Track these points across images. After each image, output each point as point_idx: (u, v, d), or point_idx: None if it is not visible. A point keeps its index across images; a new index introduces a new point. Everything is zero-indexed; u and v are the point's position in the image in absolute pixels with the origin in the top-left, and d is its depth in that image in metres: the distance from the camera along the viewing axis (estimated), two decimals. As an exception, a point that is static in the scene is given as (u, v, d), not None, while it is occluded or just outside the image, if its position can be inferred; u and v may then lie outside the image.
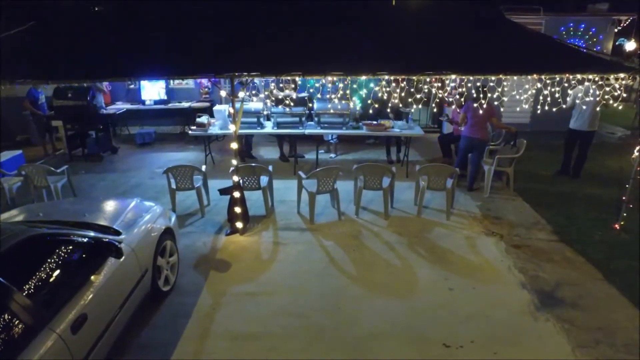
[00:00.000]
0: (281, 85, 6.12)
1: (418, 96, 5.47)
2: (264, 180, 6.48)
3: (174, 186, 6.48)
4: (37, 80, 5.65)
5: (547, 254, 5.49)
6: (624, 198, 5.91)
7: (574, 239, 5.85)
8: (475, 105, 6.69)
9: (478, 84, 6.48)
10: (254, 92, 6.13)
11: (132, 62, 5.63)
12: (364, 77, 5.20)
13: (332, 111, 7.90)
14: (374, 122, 8.26)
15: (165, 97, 11.25)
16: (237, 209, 5.78)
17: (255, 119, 8.09)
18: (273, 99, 6.94)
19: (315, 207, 6.34)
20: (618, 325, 4.20)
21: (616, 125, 13.42)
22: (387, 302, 4.57)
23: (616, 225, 6.00)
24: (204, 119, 8.35)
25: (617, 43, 13.35)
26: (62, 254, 3.31)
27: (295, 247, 5.65)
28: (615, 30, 11.66)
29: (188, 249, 5.58)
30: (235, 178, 5.69)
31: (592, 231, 6.06)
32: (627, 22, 11.66)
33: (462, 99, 6.77)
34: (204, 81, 11.24)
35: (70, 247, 3.41)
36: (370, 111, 5.98)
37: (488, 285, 4.87)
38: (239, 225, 5.88)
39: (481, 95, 6.53)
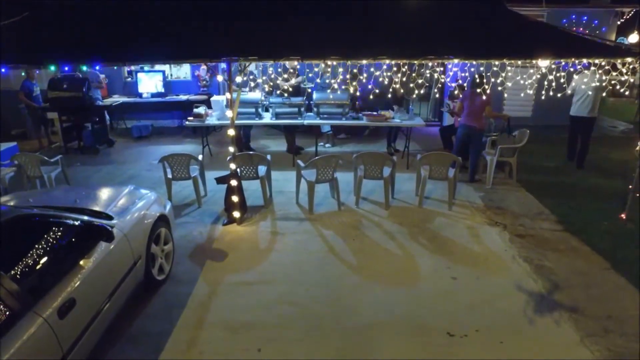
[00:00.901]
0: (279, 70, 5.98)
1: (420, 81, 5.34)
2: (262, 169, 6.34)
3: (170, 176, 6.34)
4: (29, 64, 5.51)
5: (552, 244, 5.36)
6: (630, 187, 5.77)
7: (579, 229, 5.72)
8: (472, 91, 6.60)
9: (476, 68, 6.35)
10: (251, 77, 5.97)
11: (126, 47, 5.52)
12: (364, 62, 5.07)
13: (331, 96, 7.75)
14: (375, 113, 8.13)
15: (163, 90, 11.09)
16: (235, 198, 5.64)
17: (253, 109, 7.94)
18: (271, 83, 6.80)
19: (314, 197, 6.20)
20: (628, 314, 4.06)
21: (618, 120, 13.31)
22: (388, 291, 4.43)
23: (622, 215, 5.87)
24: (201, 109, 8.21)
25: (616, 41, 13.22)
26: (51, 236, 3.18)
27: (293, 236, 5.51)
28: (618, 22, 11.53)
29: (184, 238, 5.44)
30: (233, 166, 5.55)
31: (597, 221, 5.92)
32: (630, 15, 11.52)
33: (465, 84, 6.65)
34: (202, 73, 11.10)
35: (60, 230, 3.27)
36: (371, 96, 5.84)
37: (492, 275, 4.73)
38: (237, 214, 5.74)
39: (477, 82, 6.43)
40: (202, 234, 5.57)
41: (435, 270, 4.82)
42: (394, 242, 5.38)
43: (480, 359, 3.57)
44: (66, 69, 5.83)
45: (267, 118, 8.21)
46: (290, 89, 7.42)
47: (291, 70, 8.10)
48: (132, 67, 11.48)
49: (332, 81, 6.28)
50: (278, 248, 5.25)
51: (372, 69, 5.45)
